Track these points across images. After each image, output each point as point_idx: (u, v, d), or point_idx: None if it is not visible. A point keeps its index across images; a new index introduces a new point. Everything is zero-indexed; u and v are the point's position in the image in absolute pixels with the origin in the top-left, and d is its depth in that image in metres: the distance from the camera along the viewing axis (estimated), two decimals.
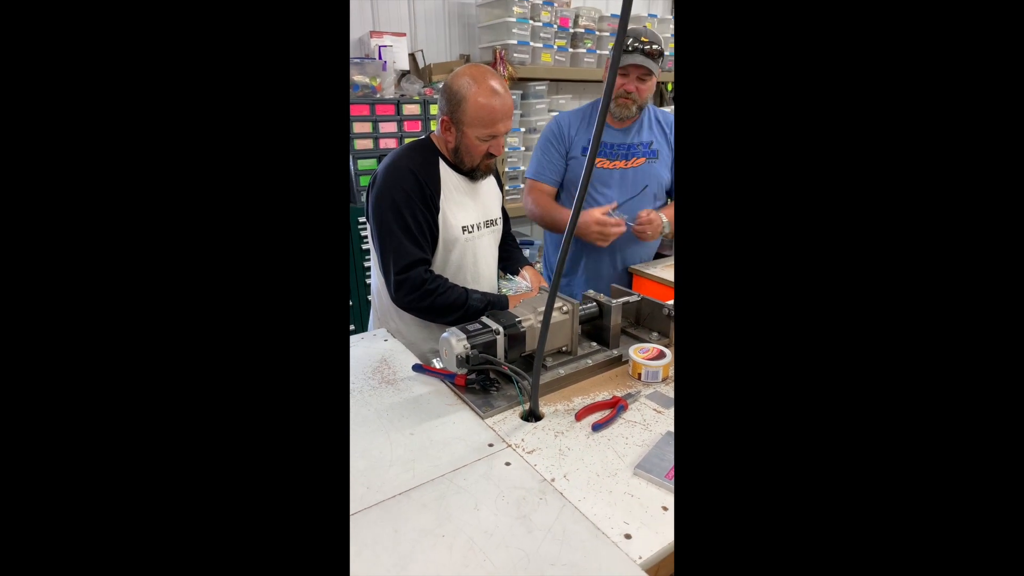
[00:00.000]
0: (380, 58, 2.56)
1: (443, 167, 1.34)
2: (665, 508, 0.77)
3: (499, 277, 1.54)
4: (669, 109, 2.27)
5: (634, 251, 1.84)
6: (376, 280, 1.44)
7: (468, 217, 1.38)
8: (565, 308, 1.13)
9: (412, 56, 2.76)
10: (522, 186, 3.04)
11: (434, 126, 2.55)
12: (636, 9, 3.51)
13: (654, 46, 1.59)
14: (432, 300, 1.27)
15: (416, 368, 1.13)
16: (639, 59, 1.59)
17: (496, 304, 1.31)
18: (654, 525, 0.74)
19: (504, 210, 1.56)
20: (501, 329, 1.05)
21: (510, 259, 1.60)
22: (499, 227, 1.51)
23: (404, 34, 2.67)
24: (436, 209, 1.32)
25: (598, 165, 1.75)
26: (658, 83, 3.88)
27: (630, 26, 1.58)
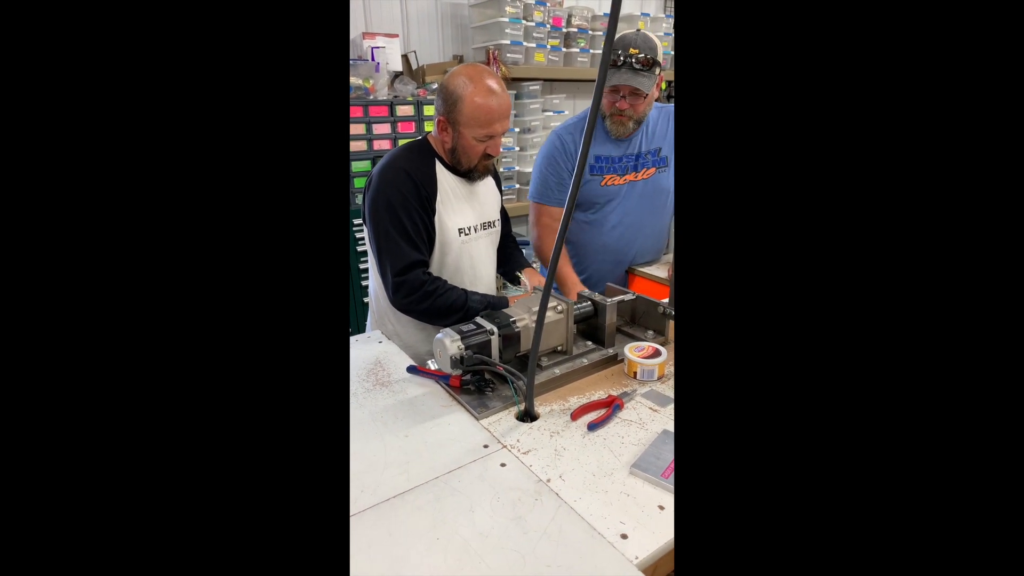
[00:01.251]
0: (373, 59, 2.55)
1: (439, 168, 1.33)
2: (662, 507, 0.77)
3: (500, 288, 1.52)
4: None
5: (640, 252, 1.80)
6: (374, 282, 1.43)
7: (465, 219, 1.37)
8: (560, 307, 1.13)
9: (405, 57, 2.75)
10: (516, 186, 3.04)
11: (429, 127, 2.54)
12: (628, 8, 3.51)
13: (646, 56, 1.46)
14: (431, 302, 1.26)
15: (410, 370, 1.12)
16: (626, 77, 1.47)
17: (496, 305, 1.30)
18: (650, 525, 0.74)
19: (504, 211, 1.55)
20: (495, 329, 1.05)
21: (510, 261, 1.58)
22: (497, 229, 1.50)
23: (397, 35, 2.66)
24: (432, 211, 1.31)
25: (609, 183, 1.67)
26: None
27: (620, 32, 1.53)
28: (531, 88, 3.00)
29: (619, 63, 1.48)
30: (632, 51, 1.46)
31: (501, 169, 2.96)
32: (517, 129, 3.00)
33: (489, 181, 1.46)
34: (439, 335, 1.03)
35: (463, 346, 1.01)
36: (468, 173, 1.34)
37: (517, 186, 3.05)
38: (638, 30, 1.52)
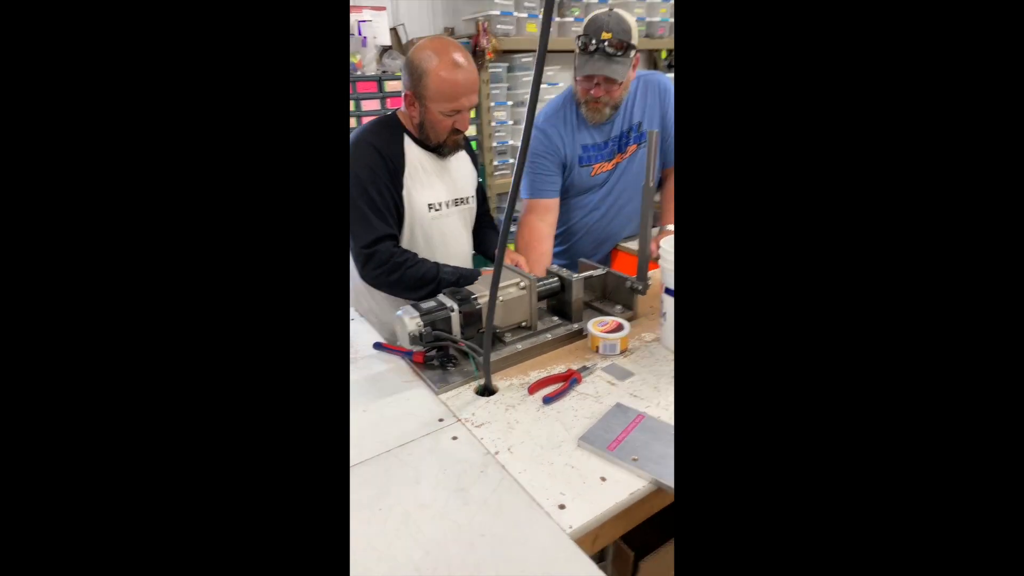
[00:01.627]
0: (360, 34, 2.52)
1: (408, 143, 1.33)
2: (603, 479, 0.78)
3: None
4: (669, 75, 1.93)
5: (624, 228, 1.77)
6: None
7: (435, 195, 1.36)
8: (523, 283, 1.13)
9: (394, 31, 2.71)
10: (511, 160, 3.01)
11: None
12: None
13: (619, 40, 1.36)
14: (401, 273, 1.26)
15: (376, 346, 1.14)
16: (599, 66, 1.38)
17: (469, 278, 1.30)
18: (589, 495, 0.75)
19: (482, 190, 1.53)
20: (456, 306, 1.06)
21: (485, 241, 1.57)
22: (472, 206, 1.49)
23: (384, 8, 2.62)
24: (400, 185, 1.31)
25: (599, 171, 1.63)
26: (651, 51, 3.77)
27: (592, 13, 1.42)
28: (523, 60, 2.95)
29: (591, 49, 1.39)
30: (605, 35, 1.36)
31: (495, 144, 2.93)
32: (511, 103, 2.96)
33: (464, 157, 1.45)
34: (399, 312, 1.04)
35: (422, 323, 1.02)
36: (438, 148, 1.34)
37: (511, 160, 3.02)
38: (611, 9, 1.42)
